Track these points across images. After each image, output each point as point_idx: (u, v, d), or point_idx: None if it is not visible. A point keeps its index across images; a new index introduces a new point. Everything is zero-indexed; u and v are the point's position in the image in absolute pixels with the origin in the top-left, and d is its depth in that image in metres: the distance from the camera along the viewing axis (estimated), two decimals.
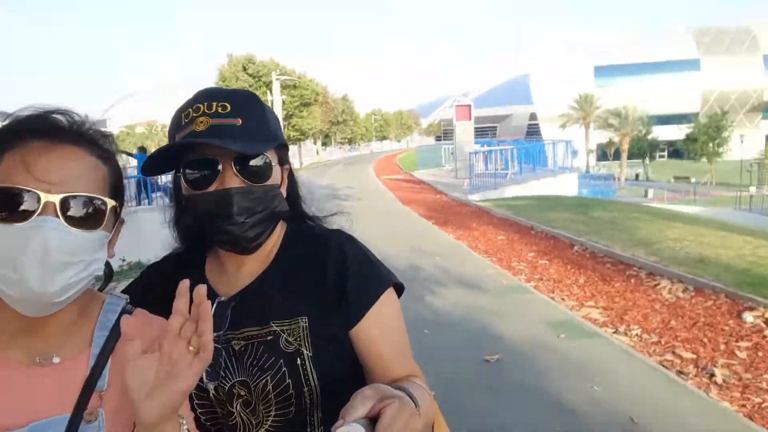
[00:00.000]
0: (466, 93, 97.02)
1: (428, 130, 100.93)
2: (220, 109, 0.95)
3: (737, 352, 4.58)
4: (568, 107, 53.08)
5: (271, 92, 38.17)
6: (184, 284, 0.76)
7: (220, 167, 0.94)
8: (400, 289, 1.09)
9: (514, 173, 20.11)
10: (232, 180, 0.94)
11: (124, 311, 0.91)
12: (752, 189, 30.32)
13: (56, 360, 0.83)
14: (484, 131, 74.05)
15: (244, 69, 40.25)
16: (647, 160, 52.61)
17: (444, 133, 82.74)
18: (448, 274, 7.64)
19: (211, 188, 0.95)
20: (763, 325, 5.03)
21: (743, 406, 3.78)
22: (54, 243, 0.73)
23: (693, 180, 41.76)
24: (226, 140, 0.91)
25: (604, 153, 56.55)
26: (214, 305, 1.00)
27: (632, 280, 6.84)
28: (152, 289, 1.08)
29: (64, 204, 0.75)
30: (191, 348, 0.74)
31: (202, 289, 0.74)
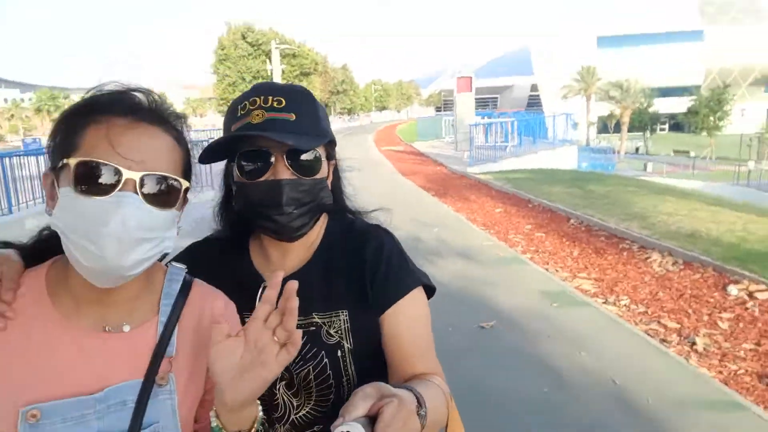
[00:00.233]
0: (468, 64, 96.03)
1: (428, 101, 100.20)
2: (275, 104, 0.99)
3: (719, 323, 4.83)
4: (570, 79, 52.69)
5: (270, 61, 37.85)
6: (279, 274, 0.79)
7: (272, 159, 0.98)
8: (430, 292, 1.12)
9: (514, 146, 20.18)
10: (284, 172, 0.99)
11: (185, 280, 0.95)
12: (750, 164, 30.34)
13: (126, 328, 0.86)
14: (485, 102, 73.63)
15: (243, 37, 39.85)
16: (648, 134, 52.45)
17: (444, 104, 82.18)
18: (446, 245, 7.87)
19: (263, 178, 0.99)
20: (747, 298, 5.28)
21: (720, 372, 4.05)
22: (132, 219, 0.75)
23: (692, 154, 41.72)
24: (280, 134, 0.95)
25: (604, 125, 56.35)
26: (259, 292, 1.04)
27: (624, 253, 7.08)
28: (196, 266, 1.10)
29: (144, 182, 0.78)
30: (276, 338, 0.77)
31: (293, 285, 0.76)
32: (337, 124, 71.86)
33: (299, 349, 1.02)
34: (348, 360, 1.04)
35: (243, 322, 1.03)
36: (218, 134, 1.16)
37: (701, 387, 3.79)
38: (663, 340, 4.59)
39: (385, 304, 1.04)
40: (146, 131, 0.80)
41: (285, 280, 1.05)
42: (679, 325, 4.85)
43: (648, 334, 4.69)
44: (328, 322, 1.05)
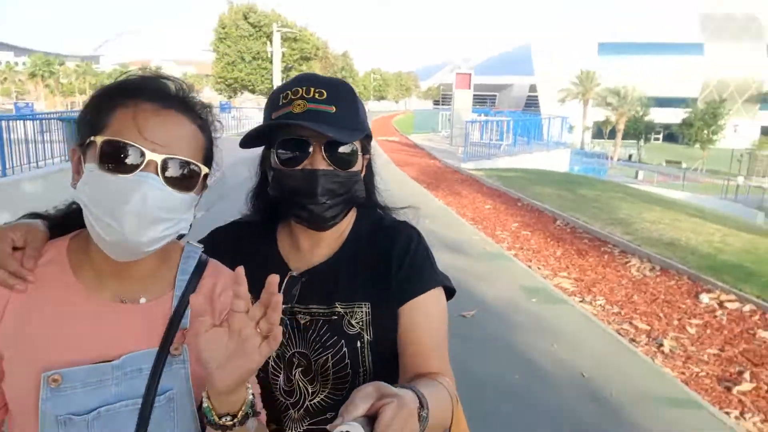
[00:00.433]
0: (468, 59, 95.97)
1: (427, 94, 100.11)
2: (317, 95, 1.01)
3: (688, 328, 5.07)
4: (569, 82, 52.94)
5: (271, 43, 37.69)
6: (240, 270, 0.78)
7: (311, 149, 1.00)
8: (450, 294, 1.13)
9: (509, 145, 20.42)
10: (321, 162, 1.00)
11: (201, 259, 0.99)
12: (740, 179, 30.80)
13: (143, 300, 0.90)
14: (483, 99, 73.66)
15: (245, 17, 39.59)
16: (642, 142, 52.96)
17: (443, 97, 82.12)
18: (435, 237, 8.06)
19: (300, 167, 1.01)
20: (717, 307, 5.52)
21: (682, 373, 4.28)
22: (152, 198, 0.79)
23: (684, 165, 42.20)
24: (321, 125, 0.97)
25: (600, 131, 56.72)
26: (286, 279, 1.09)
27: (605, 256, 7.32)
28: (221, 249, 1.13)
29: (165, 164, 0.81)
30: (259, 330, 0.78)
31: (275, 278, 0.76)
32: None
33: (320, 336, 1.05)
34: (366, 351, 1.06)
35: None
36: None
37: (663, 385, 4.01)
38: (632, 340, 4.82)
39: (403, 298, 1.05)
40: (171, 117, 0.84)
41: (313, 270, 1.10)
42: (649, 327, 5.08)
43: (619, 333, 4.92)
44: (350, 313, 1.06)
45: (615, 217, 9.14)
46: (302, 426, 1.08)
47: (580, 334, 4.83)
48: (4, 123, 10.03)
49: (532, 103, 67.53)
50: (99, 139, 0.80)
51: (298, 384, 1.08)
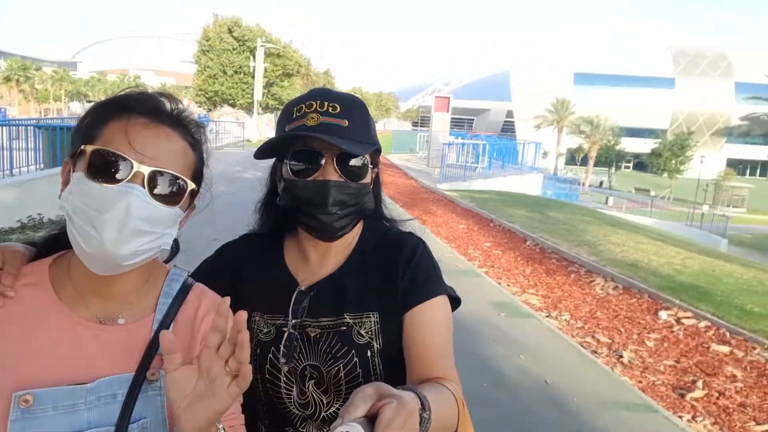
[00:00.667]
0: (448, 83, 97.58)
1: (406, 115, 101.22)
2: (330, 109, 1.03)
3: (646, 342, 5.36)
4: (544, 109, 54.31)
5: (254, 58, 37.92)
6: (225, 303, 0.75)
7: (323, 161, 1.02)
8: (455, 303, 1.14)
9: (484, 168, 20.87)
10: (332, 174, 1.02)
11: (185, 283, 0.97)
12: (705, 207, 31.96)
13: (121, 321, 0.88)
14: (461, 122, 74.92)
15: (230, 31, 39.80)
16: (612, 170, 54.43)
17: (421, 119, 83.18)
18: None
19: (311, 178, 1.03)
20: (674, 323, 5.83)
21: (640, 382, 4.54)
22: (136, 209, 0.78)
23: (652, 193, 43.50)
24: (334, 138, 0.99)
25: (573, 157, 58.16)
26: (294, 294, 1.10)
27: (572, 275, 7.62)
28: (230, 265, 1.17)
29: (152, 177, 0.81)
30: (228, 368, 0.75)
31: (242, 316, 0.74)
32: None
33: (330, 348, 1.06)
34: (377, 360, 1.07)
35: (272, 324, 1.11)
36: None
37: (622, 392, 4.26)
38: (594, 352, 5.08)
39: (409, 304, 1.06)
40: (162, 132, 0.85)
41: (321, 283, 1.11)
42: (610, 341, 5.36)
43: (582, 346, 5.18)
44: (359, 323, 1.08)
45: (582, 239, 9.50)
46: None
47: (545, 346, 5.07)
48: None
49: (508, 128, 68.92)
50: (89, 149, 0.81)
51: (312, 396, 1.08)
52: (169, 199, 0.84)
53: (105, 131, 0.83)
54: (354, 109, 1.06)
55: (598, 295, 6.76)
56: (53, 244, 0.93)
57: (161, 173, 0.82)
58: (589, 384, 4.34)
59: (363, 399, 0.69)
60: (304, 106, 1.05)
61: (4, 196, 8.83)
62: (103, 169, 0.80)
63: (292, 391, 1.09)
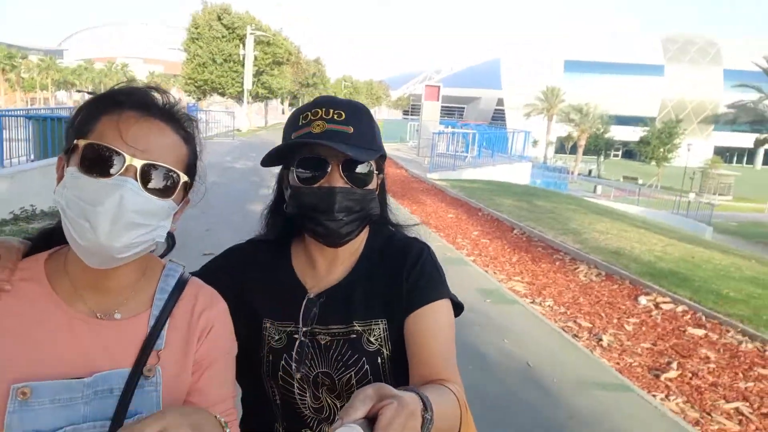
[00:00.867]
0: (439, 71, 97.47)
1: (396, 104, 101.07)
2: (336, 116, 1.05)
3: (626, 326, 5.59)
4: (534, 98, 54.49)
5: (244, 46, 37.71)
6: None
7: (329, 168, 1.03)
8: (458, 310, 1.14)
9: (473, 157, 21.06)
10: (338, 180, 1.04)
11: (181, 277, 0.98)
12: (691, 195, 32.41)
13: (118, 316, 0.89)
14: (451, 111, 75.00)
15: (219, 19, 39.50)
16: (601, 158, 54.87)
17: (412, 108, 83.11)
18: None
19: (317, 185, 1.04)
20: (653, 308, 6.07)
21: (617, 363, 4.76)
22: (128, 202, 0.79)
23: (640, 181, 43.95)
24: (339, 145, 1.00)
25: (562, 146, 58.54)
26: (304, 302, 1.11)
27: (557, 263, 7.84)
28: (236, 268, 1.17)
29: (144, 170, 0.82)
30: None
31: None
32: None
33: (341, 355, 1.08)
34: (387, 365, 1.09)
35: (282, 331, 1.12)
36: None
37: (600, 373, 4.48)
38: (575, 335, 5.30)
39: (411, 307, 1.07)
40: (155, 126, 0.85)
41: (330, 290, 1.12)
42: (591, 325, 5.58)
43: (564, 330, 5.40)
44: (368, 330, 1.09)
45: (568, 228, 9.73)
46: None
47: (528, 331, 5.28)
48: None
49: (498, 117, 69.08)
50: (81, 143, 0.83)
51: (326, 401, 1.10)
52: (162, 191, 0.85)
53: (97, 126, 0.83)
54: (359, 116, 1.08)
55: (582, 282, 6.98)
56: (49, 238, 0.94)
57: (154, 166, 0.83)
58: (569, 366, 4.55)
59: (363, 400, 0.68)
60: (309, 113, 1.07)
61: None
62: (96, 162, 0.81)
63: (305, 396, 1.11)
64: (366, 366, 1.07)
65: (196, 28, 39.45)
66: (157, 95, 0.91)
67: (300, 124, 1.07)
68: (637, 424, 3.75)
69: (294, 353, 1.09)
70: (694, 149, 51.31)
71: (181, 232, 0.99)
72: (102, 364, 0.85)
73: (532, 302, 6.24)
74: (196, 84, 40.18)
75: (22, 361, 0.82)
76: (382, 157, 1.14)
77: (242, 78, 38.23)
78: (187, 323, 0.94)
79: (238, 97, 40.78)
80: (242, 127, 34.87)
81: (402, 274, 1.10)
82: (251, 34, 37.41)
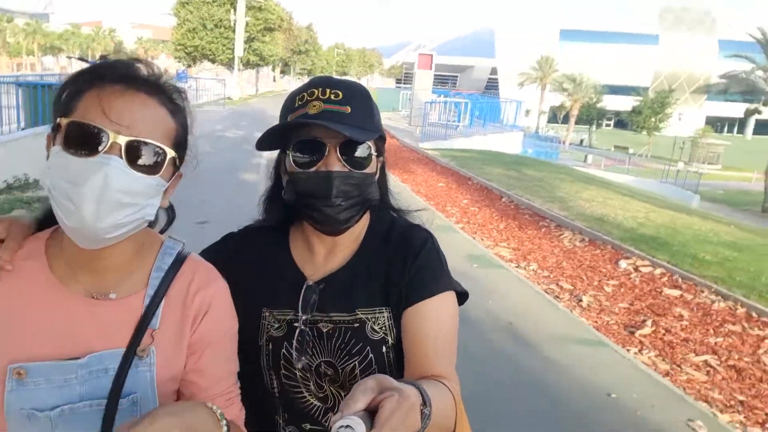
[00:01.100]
0: (432, 39, 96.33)
1: (390, 72, 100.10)
2: (332, 96, 1.01)
3: (605, 288, 5.85)
4: (529, 67, 54.16)
5: (235, 11, 37.09)
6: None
7: (326, 151, 1.00)
8: (462, 298, 1.13)
9: (465, 126, 21.13)
10: (335, 164, 1.00)
11: (179, 255, 0.95)
12: (680, 165, 32.66)
13: (113, 296, 0.88)
14: (445, 80, 74.45)
15: None
16: (593, 128, 54.92)
17: (405, 77, 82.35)
18: None
19: (314, 169, 1.01)
20: (632, 270, 6.33)
21: (595, 322, 5.03)
22: (113, 181, 0.76)
23: (631, 151, 44.14)
24: (336, 125, 0.97)
25: (554, 115, 58.46)
26: (303, 289, 1.08)
27: (543, 230, 8.07)
28: (234, 255, 1.15)
29: (129, 147, 0.78)
30: None
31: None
32: (295, 84, 71.00)
33: (345, 344, 1.06)
34: (392, 355, 1.07)
35: (282, 319, 1.09)
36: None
37: (578, 330, 4.75)
38: (556, 297, 5.56)
39: (412, 299, 1.05)
40: (139, 99, 0.82)
41: (329, 277, 1.09)
42: (572, 287, 5.84)
43: (546, 292, 5.65)
44: (372, 318, 1.07)
45: (554, 195, 9.95)
46: None
47: (512, 292, 5.53)
48: None
49: (492, 86, 68.63)
50: (64, 121, 0.80)
51: (330, 390, 1.09)
52: (149, 168, 0.81)
53: (80, 103, 0.80)
54: (356, 95, 1.04)
55: (566, 248, 7.22)
56: (52, 215, 0.88)
57: (140, 142, 0.80)
58: (549, 323, 4.81)
59: (364, 392, 0.67)
60: (306, 94, 1.04)
61: None
62: (79, 141, 0.78)
63: (309, 385, 1.09)
64: (371, 355, 1.06)
65: None
66: (141, 66, 0.87)
67: (296, 105, 1.04)
68: (609, 373, 4.03)
69: (294, 342, 1.07)
70: (687, 119, 51.47)
71: (174, 202, 0.98)
72: (97, 344, 0.85)
73: (517, 266, 6.48)
74: (186, 50, 39.57)
75: (19, 342, 0.83)
76: (381, 139, 1.10)
77: (233, 44, 37.69)
78: (183, 302, 0.92)
79: (229, 64, 40.27)
80: (233, 95, 34.58)
81: (405, 264, 1.07)
82: None
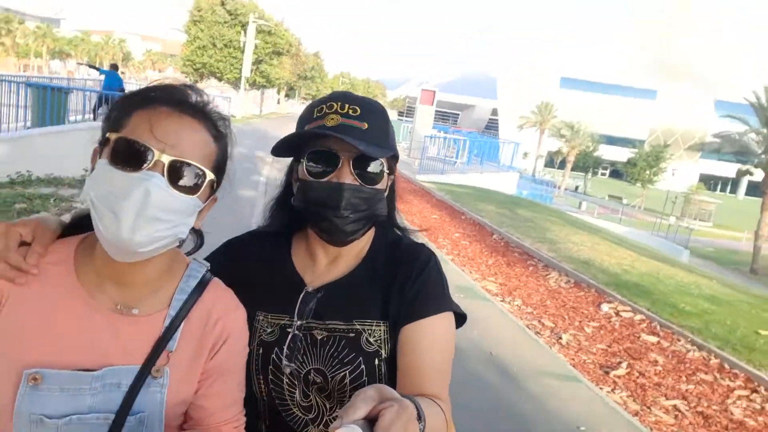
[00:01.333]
0: (436, 75, 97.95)
1: (392, 104, 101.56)
2: (351, 111, 1.03)
3: (585, 328, 6.01)
4: (528, 111, 55.21)
5: (245, 33, 37.83)
6: None
7: (340, 163, 1.01)
8: (461, 320, 1.12)
9: (462, 163, 21.51)
10: (348, 176, 1.01)
11: (203, 279, 0.97)
12: (672, 219, 33.12)
13: (135, 311, 0.89)
14: (446, 117, 75.58)
15: (222, 4, 39.59)
16: (589, 175, 55.75)
17: (407, 110, 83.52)
18: None
19: (326, 179, 1.02)
20: (613, 314, 6.50)
21: (572, 359, 5.18)
22: (153, 197, 0.80)
23: (625, 201, 44.76)
24: (352, 139, 0.98)
25: (551, 160, 59.37)
26: (302, 294, 1.09)
27: (530, 268, 8.26)
28: (236, 260, 1.16)
29: (172, 166, 0.82)
30: None
31: None
32: (299, 108, 71.81)
33: (338, 353, 1.06)
34: (383, 368, 1.07)
35: (276, 324, 1.10)
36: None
37: (555, 366, 4.90)
38: (537, 332, 5.72)
39: (410, 318, 1.05)
40: (186, 122, 0.86)
41: (329, 285, 1.10)
42: (553, 325, 6.00)
43: (527, 327, 5.81)
44: (368, 330, 1.07)
45: (544, 237, 10.18)
46: None
47: (494, 325, 5.68)
48: None
49: (492, 126, 69.74)
50: (113, 136, 0.84)
51: (316, 400, 1.08)
52: (189, 188, 0.85)
53: (130, 121, 0.85)
54: (374, 112, 1.06)
55: (551, 287, 7.41)
56: (85, 220, 0.91)
57: (182, 163, 0.83)
58: (528, 357, 4.96)
59: (364, 400, 0.67)
60: (324, 106, 1.05)
61: None
62: (125, 156, 0.82)
63: (295, 393, 1.09)
64: (362, 366, 1.05)
65: (199, 11, 39.48)
66: (190, 92, 0.91)
67: (314, 116, 1.06)
68: (581, 407, 4.17)
69: (285, 347, 1.07)
70: (681, 174, 52.28)
71: None
72: (114, 358, 0.87)
73: (502, 301, 6.65)
74: (194, 66, 40.20)
75: (38, 347, 0.84)
76: (394, 158, 1.12)
77: (241, 64, 38.33)
78: (202, 328, 0.94)
79: (235, 84, 40.86)
80: (237, 113, 35.01)
81: (407, 281, 1.08)
82: (253, 22, 37.55)
